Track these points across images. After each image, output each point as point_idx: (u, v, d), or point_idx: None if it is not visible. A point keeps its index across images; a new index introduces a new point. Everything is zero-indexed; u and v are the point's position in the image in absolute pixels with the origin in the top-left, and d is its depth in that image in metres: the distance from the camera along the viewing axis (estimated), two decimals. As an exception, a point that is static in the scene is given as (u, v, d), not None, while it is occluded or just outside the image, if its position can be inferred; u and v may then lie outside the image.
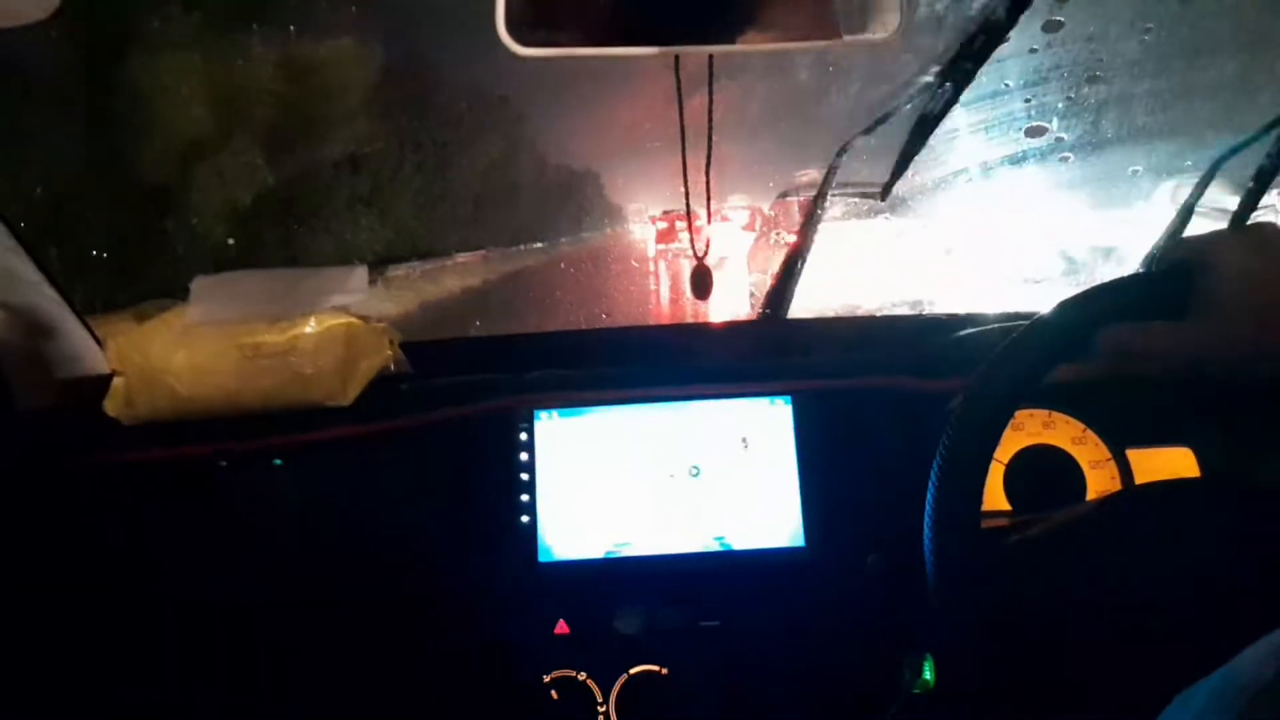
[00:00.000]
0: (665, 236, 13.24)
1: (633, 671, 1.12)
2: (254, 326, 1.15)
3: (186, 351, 1.14)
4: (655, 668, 1.12)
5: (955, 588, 0.75)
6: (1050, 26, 1.63)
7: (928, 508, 0.75)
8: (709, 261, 1.22)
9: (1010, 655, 0.74)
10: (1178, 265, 0.73)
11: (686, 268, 1.31)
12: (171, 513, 1.16)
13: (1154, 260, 0.76)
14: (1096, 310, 0.74)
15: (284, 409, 1.15)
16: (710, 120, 1.11)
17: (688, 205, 1.24)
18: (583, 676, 1.11)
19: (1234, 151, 1.35)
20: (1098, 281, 0.75)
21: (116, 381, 1.15)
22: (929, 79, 1.33)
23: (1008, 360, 0.75)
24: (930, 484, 0.75)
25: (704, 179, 1.21)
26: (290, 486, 1.17)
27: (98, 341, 1.34)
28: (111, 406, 1.15)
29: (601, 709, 1.11)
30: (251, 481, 1.17)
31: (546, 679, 1.11)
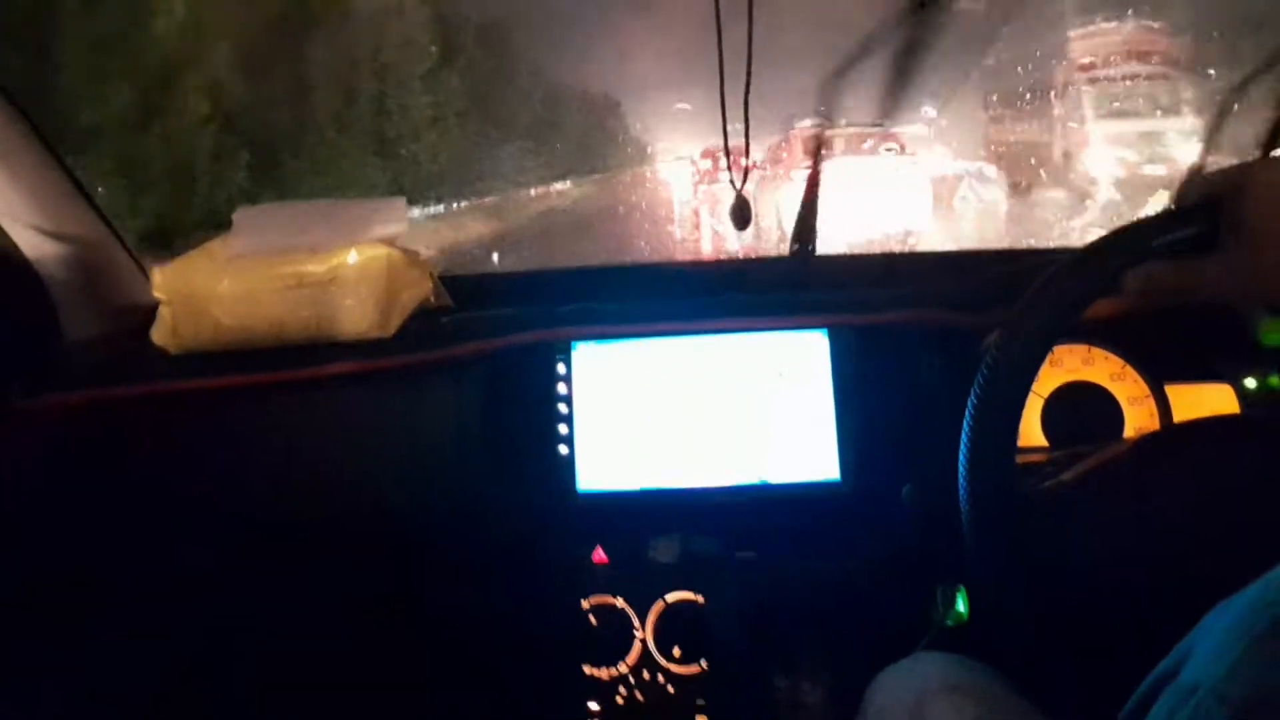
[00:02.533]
0: (709, 176, 13.11)
1: (669, 598, 1.14)
2: (296, 257, 1.16)
3: (230, 281, 1.15)
4: (691, 595, 1.14)
5: (989, 522, 0.75)
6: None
7: (963, 443, 0.75)
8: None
9: (1043, 589, 0.75)
10: (1205, 199, 0.71)
11: (725, 203, 1.31)
12: (218, 440, 1.19)
13: (1181, 194, 0.75)
14: (1127, 248, 0.73)
15: (326, 339, 1.17)
16: (750, 49, 1.10)
17: (725, 137, 1.23)
18: (620, 602, 1.14)
19: (1248, 81, 1.31)
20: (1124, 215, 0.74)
21: (162, 310, 1.17)
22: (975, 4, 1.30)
23: (1041, 298, 0.74)
24: (966, 419, 0.75)
25: (742, 111, 1.20)
26: (333, 416, 1.19)
27: (144, 272, 1.36)
28: (158, 335, 1.17)
29: (639, 634, 1.13)
30: (295, 411, 1.19)
31: (585, 604, 1.14)
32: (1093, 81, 9.13)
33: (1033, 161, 9.66)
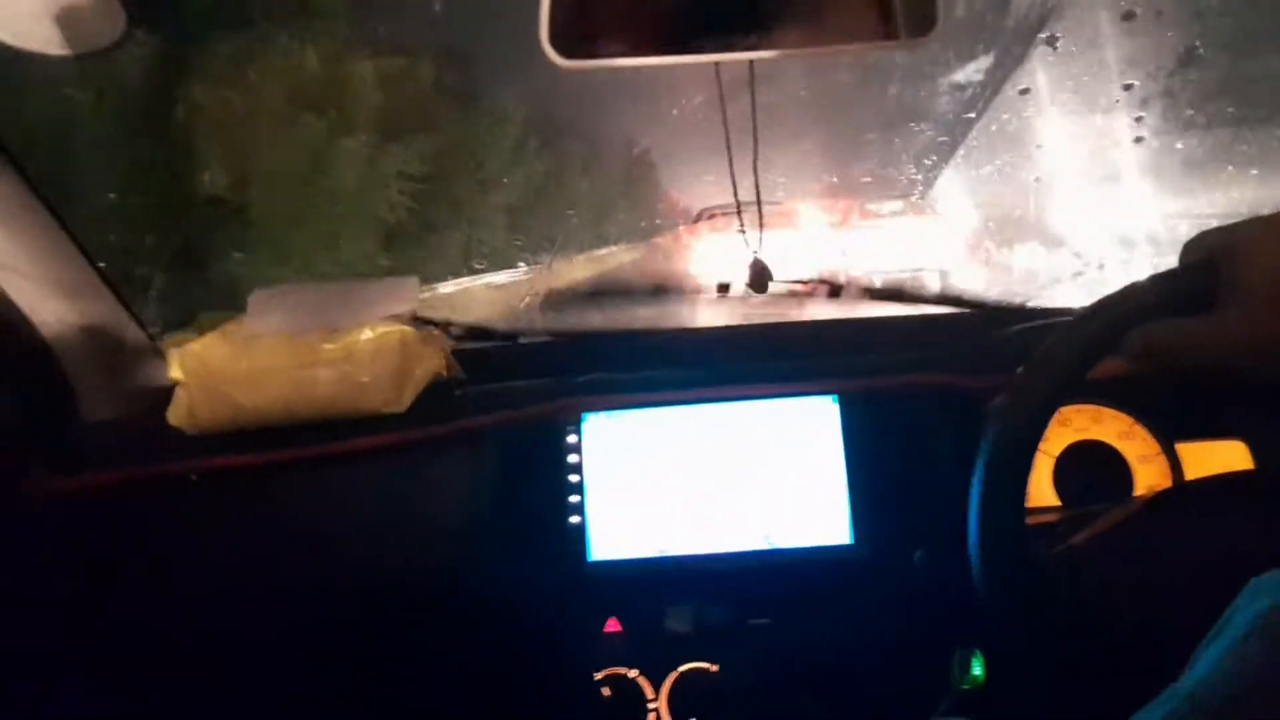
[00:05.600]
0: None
1: (683, 669, 1.13)
2: (311, 337, 1.18)
3: (246, 362, 1.17)
4: (705, 665, 1.13)
5: (1000, 584, 0.75)
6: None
7: (971, 506, 0.75)
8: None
9: (1058, 650, 0.75)
10: (1203, 258, 0.71)
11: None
12: (234, 520, 1.20)
13: (1184, 253, 0.75)
14: (1125, 309, 0.73)
15: (341, 416, 1.18)
16: (755, 123, 1.13)
17: (738, 205, 1.25)
18: (634, 674, 1.13)
19: None
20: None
21: (178, 392, 1.18)
22: (968, 77, 1.33)
23: (1044, 362, 0.74)
24: (974, 482, 0.75)
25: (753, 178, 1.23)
26: (348, 491, 1.20)
27: (160, 353, 1.38)
28: (174, 416, 1.18)
29: (653, 706, 1.12)
30: (310, 488, 1.20)
31: (598, 676, 1.13)
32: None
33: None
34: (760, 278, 1.31)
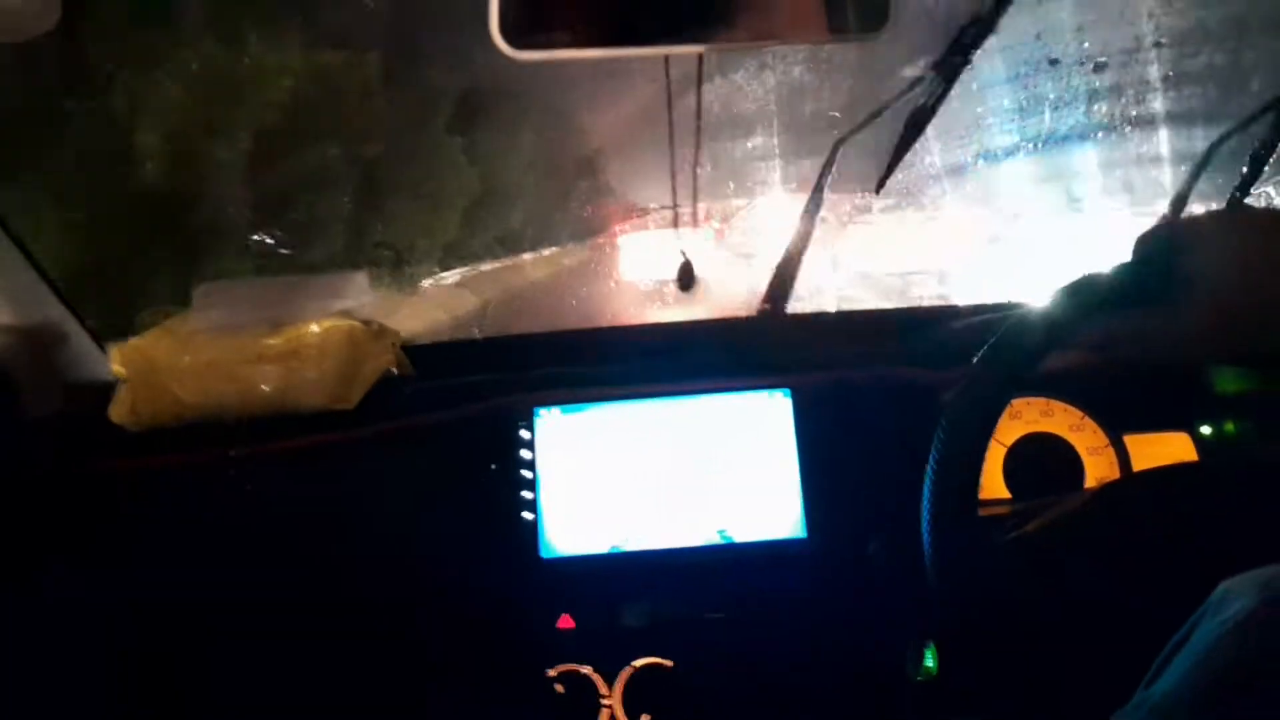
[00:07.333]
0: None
1: (638, 664, 1.12)
2: (257, 332, 1.16)
3: (190, 358, 1.15)
4: (660, 660, 1.12)
5: (953, 576, 0.75)
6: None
7: (925, 497, 0.75)
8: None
9: (1009, 642, 0.75)
10: (1157, 251, 0.72)
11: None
12: (177, 518, 1.17)
13: (1138, 246, 0.76)
14: (1081, 302, 0.74)
15: (289, 413, 1.16)
16: (699, 118, 1.13)
17: (674, 202, 1.25)
18: (587, 670, 1.12)
19: (1227, 137, 1.36)
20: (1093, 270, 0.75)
21: (121, 388, 1.16)
22: (920, 73, 1.33)
23: (998, 354, 0.75)
24: (927, 473, 0.75)
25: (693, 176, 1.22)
26: (295, 489, 1.18)
27: (102, 348, 1.35)
28: (116, 413, 1.16)
29: (607, 702, 1.11)
30: (256, 485, 1.18)
31: (551, 673, 1.12)
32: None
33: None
34: (687, 276, 1.31)
